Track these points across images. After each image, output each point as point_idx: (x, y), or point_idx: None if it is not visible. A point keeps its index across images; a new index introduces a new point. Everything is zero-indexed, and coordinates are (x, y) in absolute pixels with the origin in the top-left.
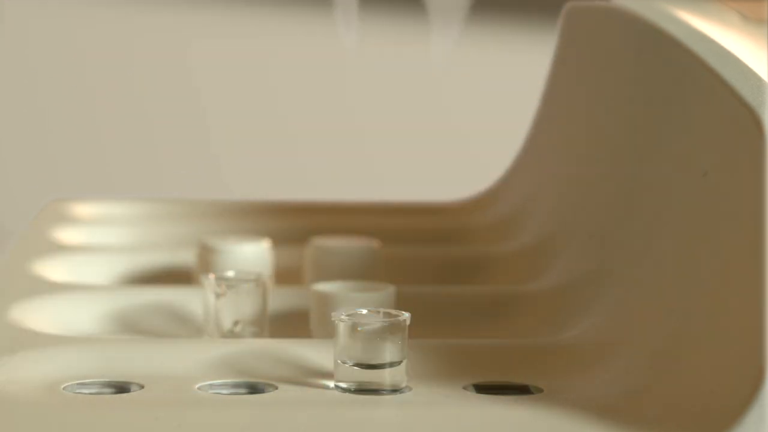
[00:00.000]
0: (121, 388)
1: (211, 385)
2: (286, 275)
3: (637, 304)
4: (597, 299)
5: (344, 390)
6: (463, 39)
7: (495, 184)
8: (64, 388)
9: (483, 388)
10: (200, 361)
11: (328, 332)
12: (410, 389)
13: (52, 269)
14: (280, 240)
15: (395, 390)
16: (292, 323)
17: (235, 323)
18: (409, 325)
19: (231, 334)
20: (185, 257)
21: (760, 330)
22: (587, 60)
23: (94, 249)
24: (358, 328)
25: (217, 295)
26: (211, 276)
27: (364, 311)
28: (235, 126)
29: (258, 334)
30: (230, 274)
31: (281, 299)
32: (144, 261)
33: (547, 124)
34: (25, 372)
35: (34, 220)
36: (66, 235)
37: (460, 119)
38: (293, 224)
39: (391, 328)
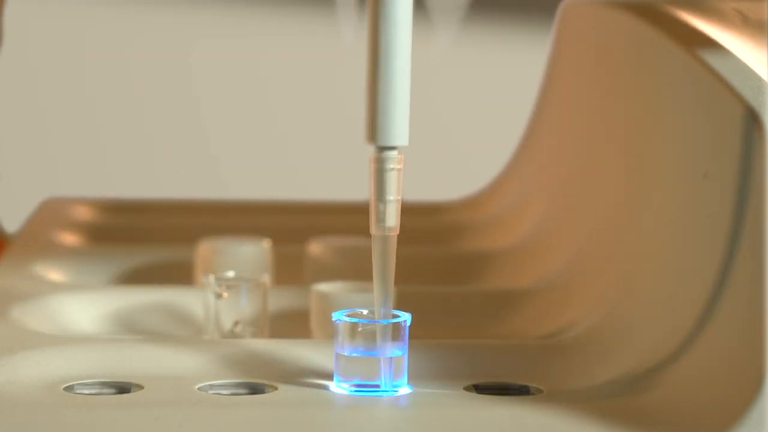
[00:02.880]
0: (121, 388)
1: (211, 385)
2: (286, 275)
3: (636, 304)
4: (597, 299)
5: (344, 390)
6: (463, 38)
7: (493, 182)
8: (64, 388)
9: (483, 388)
10: (200, 361)
11: (328, 332)
12: (410, 389)
13: (52, 269)
14: (280, 240)
15: (396, 390)
16: (292, 323)
17: (235, 323)
18: (409, 325)
19: (231, 335)
20: (185, 257)
21: (760, 330)
22: (584, 59)
23: (93, 249)
24: (359, 328)
25: (217, 296)
26: (211, 276)
27: (364, 311)
28: (235, 126)
29: (258, 334)
30: (230, 274)
31: (281, 299)
32: (144, 261)
33: (543, 123)
34: (25, 372)
35: (32, 219)
36: (65, 234)
37: (457, 118)
38: (293, 224)
39: (391, 329)
